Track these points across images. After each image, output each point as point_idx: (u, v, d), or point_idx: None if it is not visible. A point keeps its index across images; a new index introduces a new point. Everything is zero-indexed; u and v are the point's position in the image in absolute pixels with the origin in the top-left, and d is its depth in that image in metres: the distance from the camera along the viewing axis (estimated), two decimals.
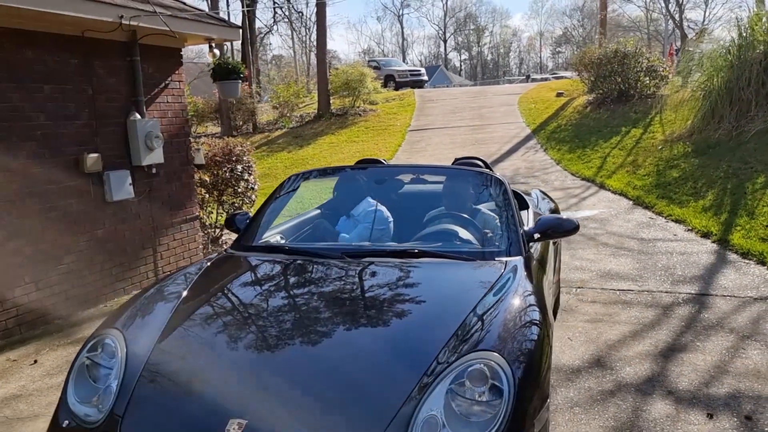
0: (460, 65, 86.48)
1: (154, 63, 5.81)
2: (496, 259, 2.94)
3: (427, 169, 4.40)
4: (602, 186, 10.05)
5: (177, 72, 6.09)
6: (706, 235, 6.67)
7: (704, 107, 10.88)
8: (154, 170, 5.75)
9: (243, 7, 20.08)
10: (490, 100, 20.69)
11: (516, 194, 4.41)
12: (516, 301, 2.46)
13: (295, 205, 4.04)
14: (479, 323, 2.26)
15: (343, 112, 19.03)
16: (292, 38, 32.28)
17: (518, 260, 2.90)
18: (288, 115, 19.08)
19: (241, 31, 6.26)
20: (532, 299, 2.53)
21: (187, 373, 2.17)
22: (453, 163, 4.10)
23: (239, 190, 7.32)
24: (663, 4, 24.65)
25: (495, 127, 16.27)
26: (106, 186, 5.27)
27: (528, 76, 50.38)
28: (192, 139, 6.65)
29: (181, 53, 6.14)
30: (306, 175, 3.86)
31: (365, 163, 4.16)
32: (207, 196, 6.83)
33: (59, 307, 4.86)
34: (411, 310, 2.52)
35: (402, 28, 79.20)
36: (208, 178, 6.80)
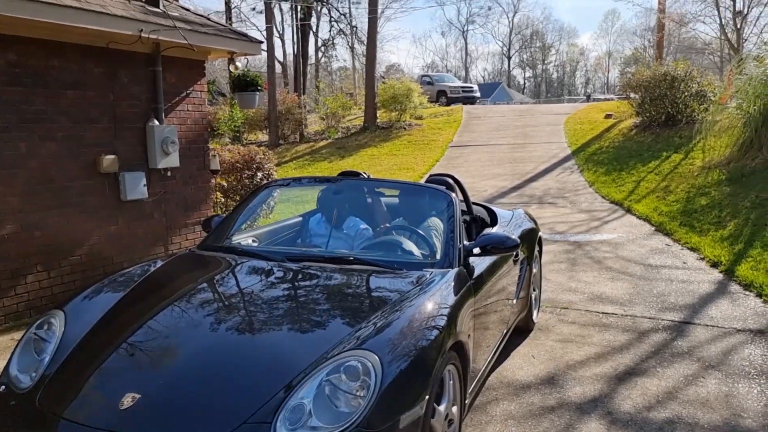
0: (524, 82, 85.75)
1: (176, 73, 6.22)
2: (425, 270, 3.11)
3: (391, 183, 4.65)
4: (629, 210, 9.92)
5: (199, 83, 6.50)
6: (715, 265, 6.55)
7: (744, 135, 10.61)
8: (169, 173, 6.15)
9: (296, 21, 20.81)
10: (536, 119, 20.58)
11: (489, 211, 4.63)
12: (426, 310, 2.63)
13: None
14: (377, 325, 2.46)
15: (388, 126, 19.35)
16: (352, 51, 32.92)
17: (449, 272, 3.08)
18: (335, 126, 19.56)
19: (262, 45, 6.60)
20: (443, 314, 2.67)
21: (104, 353, 2.47)
22: (426, 180, 4.30)
23: None
24: (719, 27, 23.84)
25: (535, 147, 16.21)
26: (121, 186, 5.69)
27: (588, 96, 49.56)
28: (211, 146, 7.03)
29: (204, 65, 6.55)
30: (280, 183, 4.24)
31: (345, 175, 4.41)
32: (224, 199, 7.19)
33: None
34: (321, 310, 2.77)
35: (466, 43, 79.24)
36: (225, 183, 7.17)
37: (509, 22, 78.21)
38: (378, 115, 19.99)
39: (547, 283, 6.02)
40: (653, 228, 8.66)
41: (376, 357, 2.22)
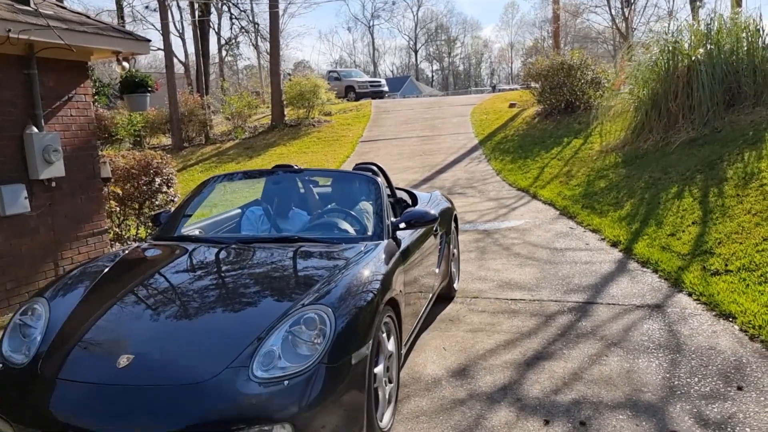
0: (432, 75, 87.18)
1: (55, 76, 5.78)
2: (360, 242, 3.62)
3: (324, 172, 5.29)
4: (534, 196, 10.20)
5: (82, 85, 6.06)
6: (615, 245, 6.81)
7: (636, 119, 11.15)
8: (53, 184, 5.70)
9: (194, 18, 20.08)
10: (444, 110, 20.88)
11: (410, 194, 5.35)
12: (365, 273, 3.13)
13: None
14: (327, 286, 2.95)
15: (297, 123, 19.05)
16: (256, 49, 32.23)
17: (380, 244, 3.60)
18: (241, 126, 19.04)
19: (151, 43, 6.24)
20: (379, 276, 3.18)
21: (93, 326, 2.85)
22: (354, 168, 4.79)
23: (156, 202, 7.29)
24: (609, 16, 25.20)
25: (444, 138, 16.42)
26: None
27: (494, 87, 50.96)
28: (103, 153, 6.61)
29: (87, 66, 6.12)
30: (220, 178, 4.55)
31: (279, 168, 4.77)
32: (118, 209, 6.78)
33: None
34: (279, 278, 3.27)
35: (373, 38, 79.51)
36: (120, 191, 6.76)
37: (414, 16, 79.53)
38: (286, 112, 19.65)
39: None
40: (558, 212, 8.93)
41: (330, 310, 2.71)
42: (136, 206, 7.26)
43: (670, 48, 10.44)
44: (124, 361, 2.54)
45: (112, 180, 6.57)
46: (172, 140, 18.67)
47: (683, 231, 6.49)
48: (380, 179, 4.26)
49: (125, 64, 6.24)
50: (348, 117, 20.38)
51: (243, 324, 2.77)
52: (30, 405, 2.54)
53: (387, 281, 3.19)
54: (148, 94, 6.42)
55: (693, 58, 10.04)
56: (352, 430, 2.66)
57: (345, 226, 3.98)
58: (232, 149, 17.66)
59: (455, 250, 5.58)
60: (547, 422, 3.18)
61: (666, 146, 9.76)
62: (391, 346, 3.19)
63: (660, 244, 6.36)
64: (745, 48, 9.89)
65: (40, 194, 5.63)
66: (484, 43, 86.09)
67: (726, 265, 5.41)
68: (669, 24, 11.13)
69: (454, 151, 14.88)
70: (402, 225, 3.84)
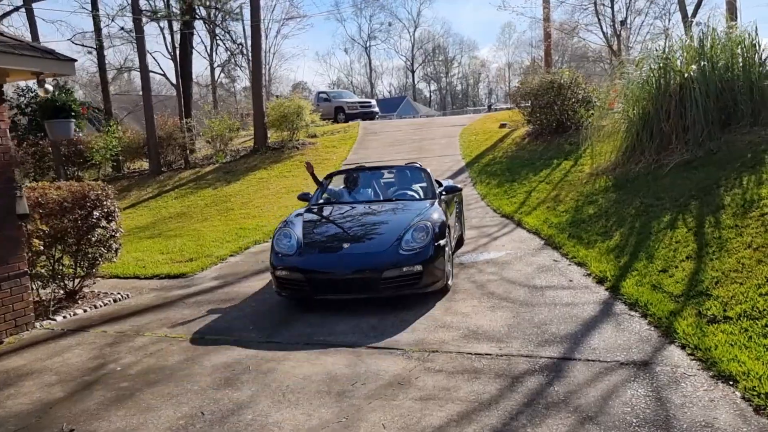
0: (430, 95, 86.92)
1: None
2: (425, 201, 7.07)
3: (391, 167, 8.49)
4: (519, 223, 9.50)
5: None
6: (601, 281, 6.10)
7: (627, 139, 10.47)
8: None
9: (172, 36, 19.48)
10: (433, 131, 20.23)
11: (437, 181, 8.13)
12: (435, 213, 6.42)
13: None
14: (423, 214, 6.36)
15: (280, 146, 18.38)
16: (249, 67, 31.69)
17: (435, 201, 6.93)
18: (222, 149, 18.37)
19: (75, 64, 5.57)
20: (441, 215, 6.43)
21: (320, 236, 6.34)
22: (405, 164, 8.67)
23: (93, 239, 6.58)
24: (602, 35, 24.61)
25: (430, 161, 15.70)
26: None
27: (490, 106, 50.51)
28: (32, 184, 5.92)
29: (1, 89, 5.45)
30: (334, 174, 8.20)
31: (360, 166, 8.89)
32: (44, 248, 6.05)
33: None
34: (395, 212, 6.63)
35: (370, 59, 79.35)
36: (46, 228, 6.04)
37: (411, 37, 79.18)
38: (269, 135, 19.01)
39: (420, 319, 5.34)
40: (542, 242, 8.22)
41: (430, 223, 6.07)
42: (72, 242, 6.54)
43: (661, 65, 9.81)
44: (345, 245, 5.93)
45: (33, 216, 5.86)
46: (150, 165, 17.97)
47: (676, 267, 5.78)
48: (428, 169, 8.08)
49: (48, 86, 5.57)
50: (334, 139, 19.73)
51: (393, 230, 6.04)
52: (311, 265, 5.86)
53: (445, 217, 6.44)
54: (73, 120, 5.74)
55: (686, 75, 9.39)
56: (443, 271, 6.01)
57: (412, 194, 7.44)
58: (211, 174, 16.98)
59: (463, 218, 8.88)
60: None
61: (659, 169, 9.07)
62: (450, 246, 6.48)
63: (650, 282, 5.64)
64: (741, 64, 9.25)
65: None
66: (482, 63, 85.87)
67: (725, 310, 4.69)
68: (665, 42, 10.45)
69: (439, 174, 14.12)
70: (443, 193, 7.41)
